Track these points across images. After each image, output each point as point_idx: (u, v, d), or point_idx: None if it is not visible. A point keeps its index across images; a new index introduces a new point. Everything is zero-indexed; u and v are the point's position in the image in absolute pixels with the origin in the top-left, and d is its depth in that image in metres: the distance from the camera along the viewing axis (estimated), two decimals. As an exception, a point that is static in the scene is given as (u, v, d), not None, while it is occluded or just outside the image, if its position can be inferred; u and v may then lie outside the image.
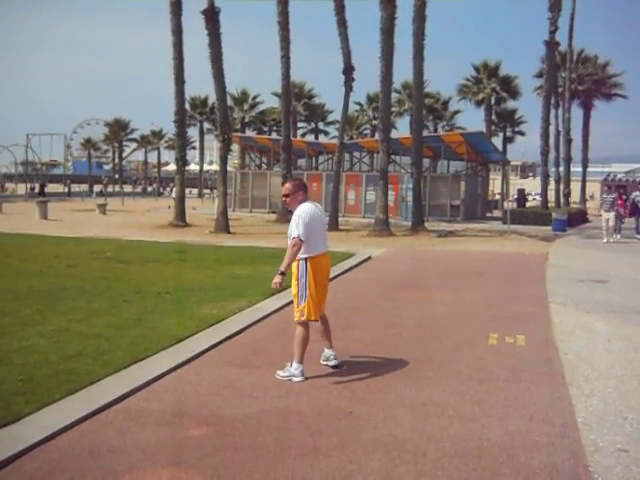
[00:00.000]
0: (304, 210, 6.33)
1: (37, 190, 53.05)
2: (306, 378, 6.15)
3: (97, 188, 63.22)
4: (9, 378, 5.69)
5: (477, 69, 49.33)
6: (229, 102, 38.81)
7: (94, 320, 8.11)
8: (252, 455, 4.49)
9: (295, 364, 6.22)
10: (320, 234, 6.53)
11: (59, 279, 11.17)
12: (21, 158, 64.83)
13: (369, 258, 16.16)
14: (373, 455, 4.52)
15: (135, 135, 78.72)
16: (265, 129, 62.12)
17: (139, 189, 75.83)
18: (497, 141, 47.98)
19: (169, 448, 4.61)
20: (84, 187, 66.78)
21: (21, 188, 57.06)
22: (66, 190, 61.28)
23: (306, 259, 6.33)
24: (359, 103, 58.26)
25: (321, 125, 63.42)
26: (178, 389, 5.86)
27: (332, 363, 6.52)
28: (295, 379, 6.13)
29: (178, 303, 9.38)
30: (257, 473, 4.22)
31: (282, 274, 6.12)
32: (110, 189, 59.84)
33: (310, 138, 57.78)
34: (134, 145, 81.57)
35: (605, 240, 21.70)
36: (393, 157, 32.98)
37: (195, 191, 63.01)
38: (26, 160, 64.61)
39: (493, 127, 49.78)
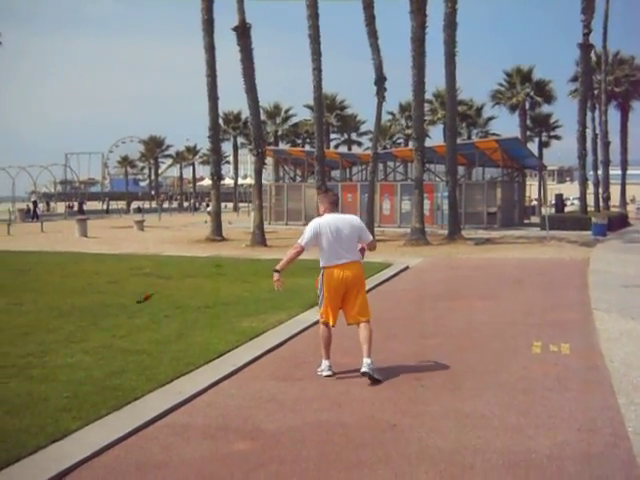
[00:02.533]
0: (316, 221, 6.75)
1: (76, 208, 54.07)
2: (334, 373, 6.66)
3: (134, 205, 64.11)
4: (55, 395, 5.78)
5: (509, 74, 48.95)
6: (262, 116, 39.05)
7: (136, 336, 8.20)
8: (297, 469, 4.47)
9: (322, 360, 6.77)
10: (337, 246, 6.62)
11: (100, 296, 11.34)
12: (60, 177, 66.24)
13: (407, 268, 16.08)
14: (419, 468, 4.47)
15: (170, 151, 79.97)
16: (298, 141, 62.40)
17: (175, 204, 76.75)
18: (532, 146, 47.53)
19: (215, 463, 4.62)
20: (122, 204, 67.84)
21: (60, 207, 58.21)
22: (104, 207, 62.34)
23: (322, 269, 6.74)
24: (391, 113, 58.26)
25: (354, 136, 63.57)
26: (221, 403, 5.88)
27: (363, 369, 6.40)
28: (323, 373, 6.66)
29: (218, 317, 9.44)
30: (302, 487, 4.21)
31: (276, 271, 6.78)
32: (147, 205, 60.65)
33: (343, 149, 57.91)
34: (169, 161, 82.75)
35: None
36: (427, 166, 32.80)
37: (230, 205, 63.53)
38: (65, 179, 65.97)
39: (528, 132, 49.31)
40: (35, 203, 47.35)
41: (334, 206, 6.85)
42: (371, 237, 6.99)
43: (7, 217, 36.23)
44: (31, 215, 45.34)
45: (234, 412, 5.66)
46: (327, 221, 6.67)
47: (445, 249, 21.86)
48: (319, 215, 6.88)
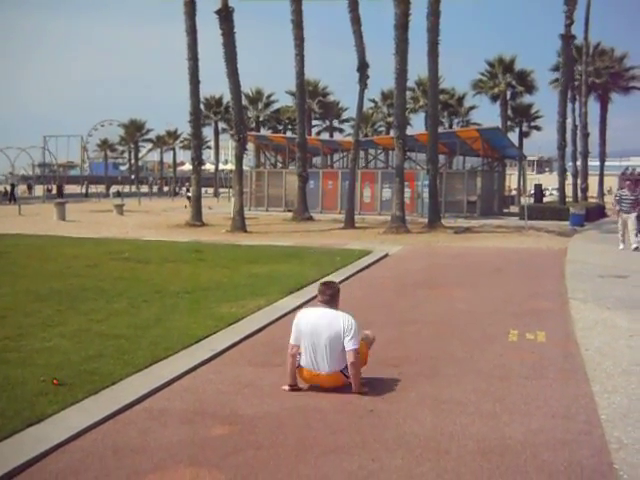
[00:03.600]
0: (300, 314, 5.97)
1: (55, 191, 53.45)
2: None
3: (114, 189, 63.55)
4: (32, 379, 5.74)
5: (491, 64, 49.02)
6: (244, 101, 38.88)
7: (114, 320, 8.16)
8: (274, 454, 4.49)
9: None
10: (312, 354, 5.67)
11: (79, 279, 11.25)
12: (38, 160, 65.45)
13: (386, 255, 16.13)
14: (395, 453, 4.51)
15: (151, 135, 79.10)
16: (280, 128, 62.16)
17: (155, 189, 76.22)
18: (513, 136, 47.72)
19: (192, 447, 4.62)
20: (101, 188, 67.21)
21: (38, 190, 57.56)
22: (83, 191, 61.73)
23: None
24: (374, 100, 58.17)
25: (336, 123, 63.45)
26: (199, 388, 5.89)
27: None
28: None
29: (197, 302, 9.42)
30: (279, 472, 4.23)
31: (290, 387, 5.80)
32: (127, 189, 60.15)
33: (325, 136, 57.78)
34: (150, 145, 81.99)
35: (622, 247, 17.62)
36: (408, 154, 32.85)
37: (211, 190, 63.21)
38: (43, 162, 65.16)
39: (509, 122, 49.47)
40: (13, 185, 46.73)
41: (329, 300, 5.86)
42: (356, 346, 5.57)
43: (-16, 199, 35.77)
44: (8, 198, 44.79)
45: (212, 397, 5.66)
46: (308, 319, 5.78)
47: (425, 237, 21.96)
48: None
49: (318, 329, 5.65)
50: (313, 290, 10.81)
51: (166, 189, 74.90)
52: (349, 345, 5.55)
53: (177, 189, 71.17)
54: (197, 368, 6.45)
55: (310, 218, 28.76)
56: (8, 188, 47.04)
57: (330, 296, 5.85)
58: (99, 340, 7.15)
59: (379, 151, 42.09)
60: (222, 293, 10.17)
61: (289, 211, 31.90)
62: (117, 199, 46.41)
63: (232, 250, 16.56)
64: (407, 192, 28.52)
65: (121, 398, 5.43)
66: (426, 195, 27.62)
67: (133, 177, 75.36)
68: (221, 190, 63.22)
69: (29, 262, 13.63)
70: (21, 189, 55.51)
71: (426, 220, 25.82)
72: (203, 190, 32.31)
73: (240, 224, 23.57)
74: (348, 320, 5.65)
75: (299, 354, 5.74)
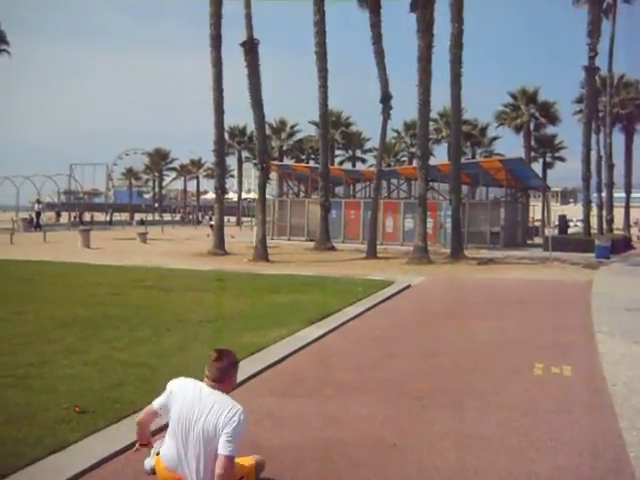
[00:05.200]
0: (177, 382, 4.44)
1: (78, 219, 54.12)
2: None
3: (138, 217, 64.18)
4: (55, 406, 5.75)
5: (514, 96, 49.19)
6: (267, 131, 39.26)
7: (136, 348, 8.18)
8: (295, 487, 4.43)
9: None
10: (180, 442, 4.01)
11: (102, 307, 11.32)
12: (64, 187, 66.36)
13: (409, 286, 16.04)
14: (418, 489, 4.43)
15: (175, 164, 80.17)
16: (303, 157, 62.54)
17: (178, 217, 76.89)
18: (537, 167, 47.63)
19: (212, 479, 4.57)
20: (125, 216, 67.89)
21: (64, 217, 58.28)
22: (108, 219, 62.41)
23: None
24: (396, 130, 58.44)
25: (358, 153, 63.70)
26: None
27: None
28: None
29: (219, 331, 9.42)
30: (300, 506, 4.16)
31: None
32: (150, 217, 60.73)
33: (347, 166, 58.02)
34: (174, 174, 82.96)
35: None
36: (431, 184, 32.91)
37: (233, 219, 63.55)
38: (69, 189, 66.06)
39: (532, 153, 49.43)
40: (38, 213, 47.39)
41: (218, 377, 4.07)
42: (232, 454, 3.82)
43: (10, 226, 36.29)
44: (34, 225, 45.39)
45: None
46: (184, 394, 4.13)
47: (448, 268, 21.83)
48: None
49: (193, 415, 3.96)
50: (335, 320, 10.81)
51: (190, 217, 75.46)
52: (223, 448, 3.81)
53: (200, 218, 71.67)
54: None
55: (332, 248, 28.76)
56: (34, 215, 47.69)
57: (220, 371, 4.05)
58: (121, 368, 7.16)
59: (402, 181, 42.18)
60: (244, 322, 10.16)
61: (311, 240, 31.94)
62: (141, 227, 46.78)
63: (254, 279, 16.58)
64: (430, 222, 28.45)
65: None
66: (449, 225, 27.50)
67: (157, 205, 76.17)
68: (244, 219, 63.54)
69: (53, 289, 13.75)
70: (47, 216, 56.29)
71: (449, 251, 25.69)
72: (226, 219, 32.48)
73: (262, 253, 23.61)
74: (234, 413, 3.89)
75: (162, 437, 4.31)
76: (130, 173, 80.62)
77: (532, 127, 49.10)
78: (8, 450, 4.73)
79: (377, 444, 5.27)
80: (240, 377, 6.99)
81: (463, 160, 34.54)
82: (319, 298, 13.03)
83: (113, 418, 5.53)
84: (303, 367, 7.85)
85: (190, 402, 4.05)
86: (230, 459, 3.82)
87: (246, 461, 4.25)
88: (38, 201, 48.95)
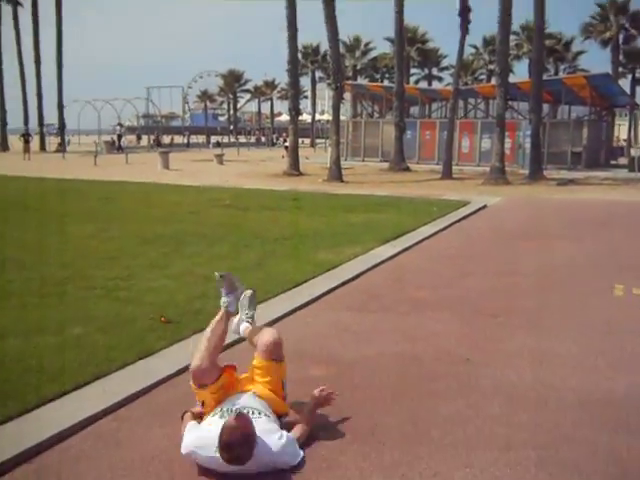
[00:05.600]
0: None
1: (164, 142, 55.23)
2: None
3: (214, 139, 64.94)
4: (142, 316, 6.06)
5: (603, 6, 46.24)
6: (341, 49, 38.45)
7: (216, 264, 8.43)
8: (370, 395, 4.57)
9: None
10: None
11: (182, 225, 11.68)
12: (142, 111, 67.55)
13: (484, 207, 15.79)
14: (492, 401, 4.49)
15: (249, 86, 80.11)
16: (377, 76, 61.32)
17: (253, 139, 77.33)
18: (624, 84, 45.06)
19: (291, 385, 4.77)
20: (201, 138, 68.79)
21: (144, 140, 59.57)
22: (185, 141, 63.41)
23: None
24: (475, 46, 56.36)
25: (435, 71, 61.96)
26: (298, 330, 6.04)
27: None
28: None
29: (295, 248, 9.60)
30: (376, 412, 4.30)
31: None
32: (225, 140, 61.36)
33: (423, 85, 56.54)
34: (248, 96, 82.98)
35: None
36: (510, 103, 31.70)
37: (307, 141, 63.47)
38: (147, 113, 67.09)
39: (620, 68, 46.75)
40: (120, 136, 48.62)
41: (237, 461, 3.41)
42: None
43: (94, 149, 37.41)
44: (116, 147, 46.67)
45: (310, 339, 5.80)
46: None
47: (525, 189, 21.30)
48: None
49: None
50: (410, 239, 10.82)
51: (263, 140, 75.80)
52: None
53: (274, 139, 71.90)
54: (295, 311, 6.61)
55: (407, 169, 28.47)
56: (116, 138, 48.95)
57: (237, 459, 3.40)
58: (202, 282, 7.43)
59: (479, 100, 40.86)
60: (319, 240, 10.30)
61: (385, 161, 31.64)
62: (217, 149, 47.39)
63: (329, 199, 16.67)
64: (507, 143, 27.63)
65: (224, 337, 5.64)
66: (528, 146, 26.64)
67: (232, 127, 76.72)
68: (317, 141, 63.37)
69: (136, 207, 14.24)
70: (128, 139, 57.67)
71: (527, 172, 25.01)
72: (300, 140, 32.49)
73: (336, 174, 23.62)
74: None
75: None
76: (205, 96, 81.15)
77: (621, 40, 46.28)
78: (102, 356, 5.03)
79: (451, 359, 5.34)
80: (316, 292, 7.20)
81: (545, 77, 33.03)
82: (393, 217, 13.02)
83: (196, 328, 5.77)
84: (378, 284, 7.95)
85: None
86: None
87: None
88: (119, 124, 50.11)
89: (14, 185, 19.90)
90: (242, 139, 72.78)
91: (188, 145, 61.59)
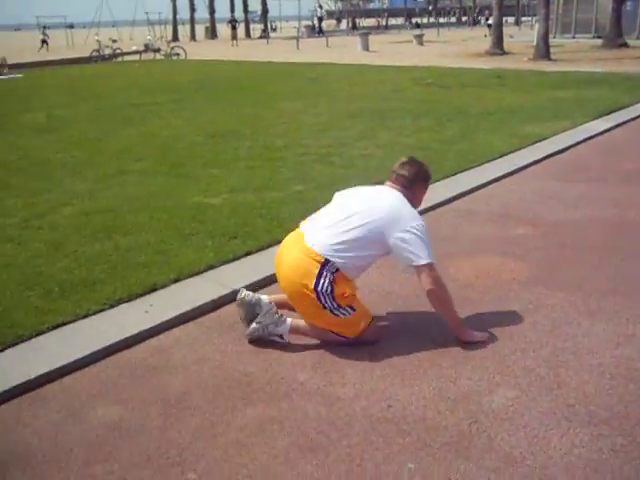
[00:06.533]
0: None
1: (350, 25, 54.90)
2: None
3: (412, 20, 63.22)
4: (354, 177, 6.52)
5: None
6: None
7: (420, 135, 8.68)
8: (577, 254, 4.68)
9: None
10: (317, 218, 3.57)
11: (386, 102, 11.93)
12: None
13: None
14: None
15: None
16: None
17: (453, 19, 74.10)
18: None
19: (497, 241, 5.01)
20: (400, 20, 67.30)
21: (343, 24, 59.61)
22: (383, 23, 62.49)
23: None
24: None
25: None
26: (503, 196, 6.19)
27: None
28: None
29: (499, 122, 9.51)
30: (582, 268, 4.42)
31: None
32: (424, 21, 59.51)
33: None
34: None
35: None
36: None
37: (511, 20, 59.62)
38: (345, -5, 66.74)
39: None
40: (320, 19, 49.06)
41: (405, 183, 3.48)
42: (430, 260, 3.24)
43: (295, 34, 38.24)
44: (316, 31, 47.27)
45: (515, 203, 5.93)
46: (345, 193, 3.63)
47: None
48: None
49: (354, 198, 3.48)
50: (624, 115, 10.22)
51: (465, 19, 72.33)
52: (414, 257, 3.24)
53: (476, 18, 68.35)
54: (501, 179, 6.72)
55: (624, 44, 25.99)
56: (316, 22, 49.48)
57: (408, 179, 3.47)
58: (408, 151, 7.69)
59: None
60: (524, 115, 10.08)
61: (599, 38, 29.06)
62: (416, 30, 46.24)
63: (534, 76, 15.92)
64: None
65: (431, 197, 5.94)
66: None
67: (431, 8, 73.88)
68: (523, 19, 59.27)
69: (340, 86, 14.68)
70: (327, 23, 57.97)
71: None
72: (504, 19, 30.71)
73: (543, 51, 22.22)
74: (413, 217, 3.32)
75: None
76: (404, -25, 78.33)
77: None
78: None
79: (664, 225, 5.23)
80: (521, 162, 7.22)
81: None
82: (606, 93, 12.25)
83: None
84: (586, 157, 7.74)
85: (353, 194, 3.55)
86: (431, 268, 3.25)
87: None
88: (320, 6, 50.48)
89: (228, 68, 21.23)
90: (442, 20, 70.03)
91: (387, 27, 60.65)
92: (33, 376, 3.14)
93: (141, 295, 3.89)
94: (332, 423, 2.76)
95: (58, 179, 6.82)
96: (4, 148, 8.56)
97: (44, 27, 41.52)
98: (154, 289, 3.95)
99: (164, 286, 4.01)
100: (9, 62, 21.86)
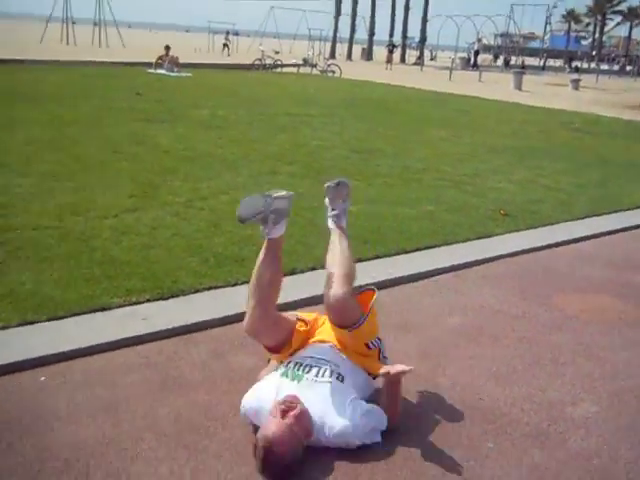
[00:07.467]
0: None
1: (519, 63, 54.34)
2: None
3: (573, 64, 61.73)
4: (484, 207, 6.93)
5: None
6: None
7: (557, 177, 8.90)
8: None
9: None
10: None
11: (527, 141, 12.14)
12: (502, 29, 66.77)
13: None
14: None
15: (622, 7, 73.48)
16: None
17: (616, 67, 71.54)
18: None
19: (613, 284, 5.23)
20: (559, 62, 65.89)
21: (499, 60, 59.19)
22: (541, 64, 61.43)
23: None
24: None
25: None
26: (624, 245, 6.34)
27: None
28: None
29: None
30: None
31: None
32: (585, 65, 57.92)
33: None
34: (619, 18, 76.37)
35: None
36: None
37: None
38: (506, 31, 66.18)
39: None
40: (477, 52, 49.12)
41: None
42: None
43: (449, 65, 38.60)
44: (471, 64, 47.38)
45: (636, 253, 6.10)
46: None
47: None
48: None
49: None
50: None
51: (629, 68, 69.64)
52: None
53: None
54: (627, 230, 6.85)
55: None
56: (472, 55, 49.57)
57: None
58: (542, 190, 8.01)
59: None
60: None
61: None
62: (574, 74, 45.22)
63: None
64: None
65: (554, 237, 6.24)
66: None
67: (594, 53, 71.79)
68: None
69: (486, 121, 14.94)
70: (483, 58, 57.86)
71: None
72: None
73: None
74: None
75: None
76: (570, 16, 76.77)
77: None
78: (448, 230, 6.01)
79: None
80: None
81: None
82: None
83: (531, 224, 6.48)
84: None
85: None
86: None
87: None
88: (479, 40, 50.54)
89: (379, 90, 22.01)
90: (604, 66, 67.84)
91: (544, 68, 59.56)
92: (190, 322, 3.85)
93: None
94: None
95: (218, 171, 7.69)
96: (174, 138, 9.63)
97: (227, 32, 44.42)
98: (293, 272, 4.58)
99: (302, 271, 4.64)
100: (181, 61, 23.72)
